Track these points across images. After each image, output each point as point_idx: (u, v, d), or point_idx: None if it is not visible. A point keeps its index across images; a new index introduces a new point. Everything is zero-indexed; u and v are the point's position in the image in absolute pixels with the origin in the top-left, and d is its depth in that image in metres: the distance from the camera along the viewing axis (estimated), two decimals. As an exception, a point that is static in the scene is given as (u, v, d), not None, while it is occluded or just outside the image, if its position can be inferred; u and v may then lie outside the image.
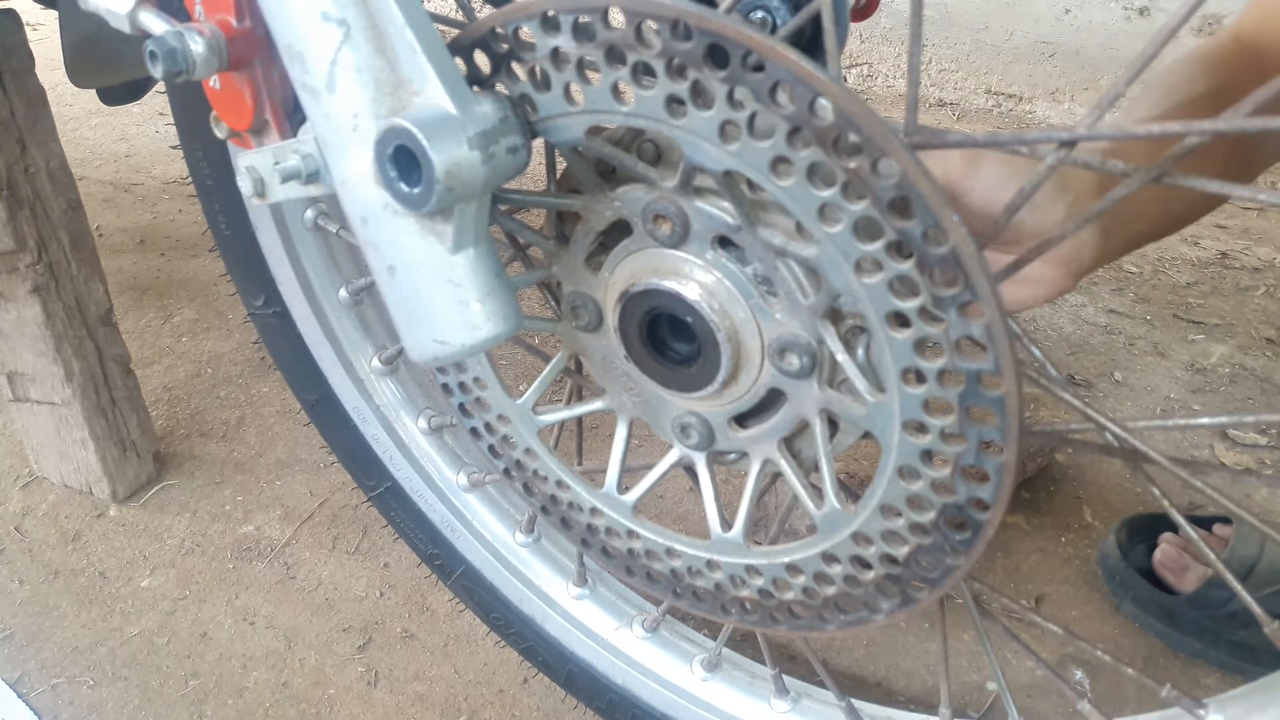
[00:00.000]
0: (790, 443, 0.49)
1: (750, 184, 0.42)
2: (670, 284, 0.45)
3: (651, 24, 0.38)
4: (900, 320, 0.39)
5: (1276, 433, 1.15)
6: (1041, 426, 0.42)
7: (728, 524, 0.53)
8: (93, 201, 1.81)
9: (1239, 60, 0.62)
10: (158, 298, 1.49)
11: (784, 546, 0.51)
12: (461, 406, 0.60)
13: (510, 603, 0.77)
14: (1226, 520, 0.91)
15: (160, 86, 0.65)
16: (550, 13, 0.40)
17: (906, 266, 0.37)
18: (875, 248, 0.38)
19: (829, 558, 0.49)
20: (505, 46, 0.42)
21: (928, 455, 0.42)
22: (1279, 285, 1.51)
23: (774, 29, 0.47)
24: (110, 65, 0.85)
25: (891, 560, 0.47)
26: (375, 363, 0.75)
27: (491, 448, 0.61)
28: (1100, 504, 1.05)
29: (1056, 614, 0.92)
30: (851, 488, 0.82)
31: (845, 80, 0.34)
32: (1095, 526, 1.02)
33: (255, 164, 0.46)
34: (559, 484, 0.59)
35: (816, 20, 0.37)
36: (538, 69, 0.42)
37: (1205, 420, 0.38)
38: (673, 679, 0.71)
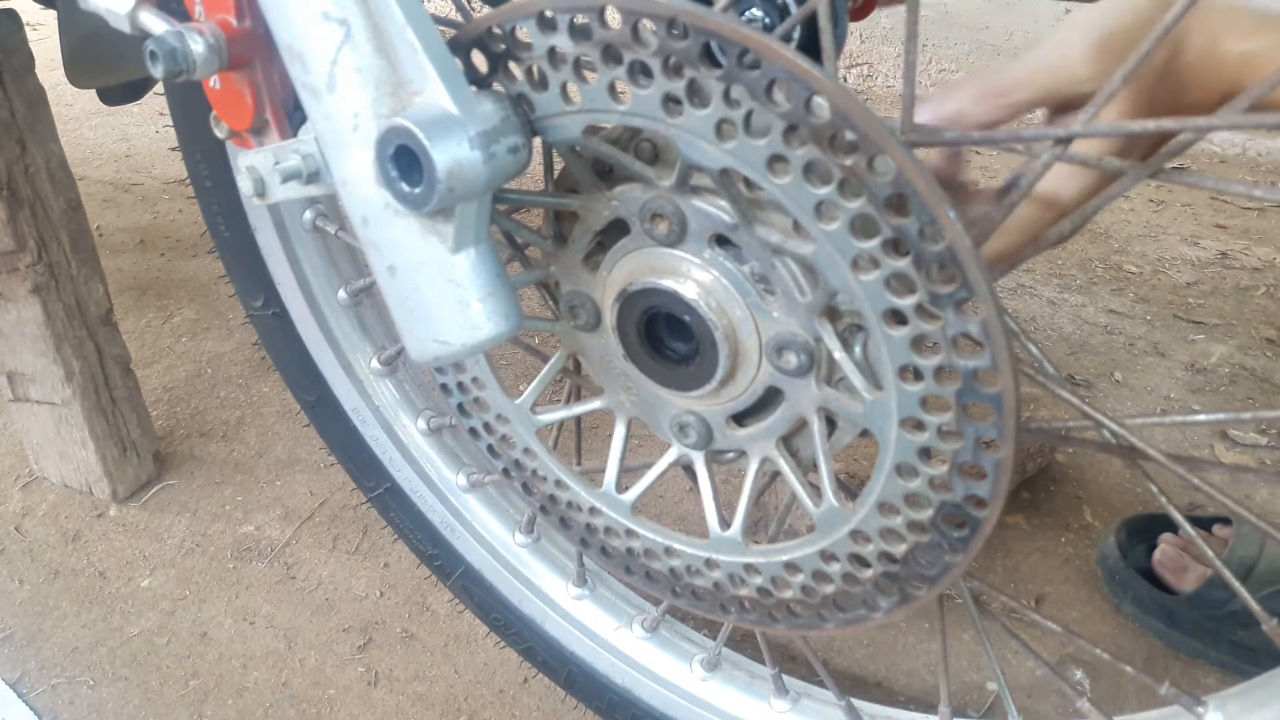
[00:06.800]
0: (788, 441, 0.49)
1: (747, 182, 0.42)
2: (668, 283, 0.45)
3: (648, 23, 0.38)
4: (897, 317, 0.39)
5: (1276, 432, 1.15)
6: (1039, 424, 0.42)
7: (726, 523, 0.53)
8: (93, 201, 1.82)
9: None
10: (158, 298, 1.49)
11: (783, 545, 0.51)
12: (460, 406, 0.60)
13: (510, 603, 0.77)
14: (1226, 520, 0.91)
15: (159, 87, 0.65)
16: (547, 12, 0.40)
17: (903, 263, 0.37)
18: (872, 245, 0.38)
19: (827, 556, 0.49)
20: (502, 46, 0.42)
21: (925, 453, 0.42)
22: (1279, 285, 1.51)
23: (769, 28, 0.47)
24: (109, 66, 0.85)
25: (890, 558, 0.47)
26: (374, 363, 0.75)
27: (490, 448, 0.61)
28: (1100, 504, 1.05)
29: (1056, 614, 0.92)
30: (851, 487, 0.82)
31: (845, 80, 0.33)
32: (1095, 526, 1.02)
33: (255, 164, 0.46)
34: (558, 484, 0.59)
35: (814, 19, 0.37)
36: (535, 68, 0.42)
37: (1203, 417, 0.38)
38: (672, 679, 0.71)
